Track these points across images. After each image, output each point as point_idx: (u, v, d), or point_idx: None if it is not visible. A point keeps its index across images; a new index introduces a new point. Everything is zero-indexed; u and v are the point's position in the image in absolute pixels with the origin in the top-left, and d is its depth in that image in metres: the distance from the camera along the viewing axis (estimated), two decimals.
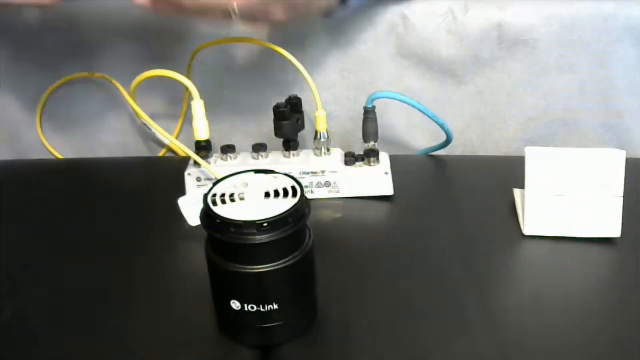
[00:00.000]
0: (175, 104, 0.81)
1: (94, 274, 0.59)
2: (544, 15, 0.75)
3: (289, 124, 0.67)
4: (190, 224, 0.63)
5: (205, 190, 0.48)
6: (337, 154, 0.71)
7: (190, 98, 0.67)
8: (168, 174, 0.66)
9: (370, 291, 0.57)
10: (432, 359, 0.50)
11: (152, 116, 0.81)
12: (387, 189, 0.69)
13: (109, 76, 0.80)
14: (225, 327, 0.52)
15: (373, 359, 0.50)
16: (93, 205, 0.70)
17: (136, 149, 0.83)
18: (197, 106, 0.66)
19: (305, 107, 0.70)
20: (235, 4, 0.49)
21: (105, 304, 0.56)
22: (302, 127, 0.69)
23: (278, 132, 0.68)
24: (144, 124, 0.79)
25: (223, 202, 0.48)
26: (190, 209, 0.62)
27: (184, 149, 0.67)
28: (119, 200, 0.70)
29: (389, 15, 0.76)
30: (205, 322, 0.52)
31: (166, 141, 0.81)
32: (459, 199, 0.70)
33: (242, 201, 0.48)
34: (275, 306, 0.48)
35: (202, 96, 0.67)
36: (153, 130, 0.80)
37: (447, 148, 0.78)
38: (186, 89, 0.67)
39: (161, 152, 0.84)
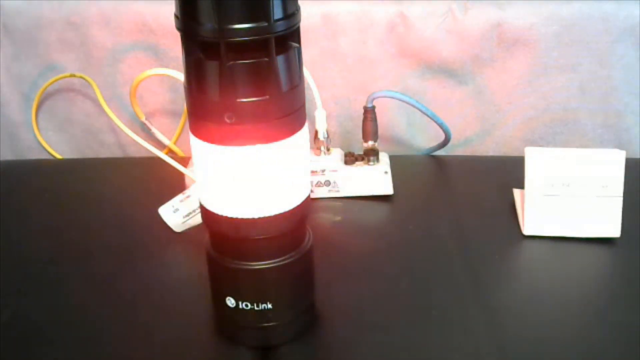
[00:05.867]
0: (175, 103, 0.81)
1: (94, 274, 0.59)
2: (544, 15, 0.75)
3: None
4: (176, 231, 0.63)
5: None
6: (337, 153, 0.71)
7: None
8: (168, 174, 0.66)
9: (371, 291, 0.57)
10: (432, 359, 0.50)
11: (153, 116, 0.81)
12: (387, 189, 0.69)
13: (109, 76, 0.80)
14: (222, 327, 0.52)
15: (373, 359, 0.50)
16: (93, 205, 0.70)
17: (136, 149, 0.83)
18: None
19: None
20: None
21: (104, 304, 0.56)
22: None
23: None
24: (144, 124, 0.79)
25: None
26: (171, 216, 0.62)
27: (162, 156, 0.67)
28: (119, 200, 0.70)
29: (389, 15, 0.76)
30: (205, 324, 0.52)
31: (166, 141, 0.81)
32: (459, 199, 0.70)
33: None
34: (270, 305, 0.48)
35: None
36: (153, 130, 0.80)
37: (447, 148, 0.78)
38: None
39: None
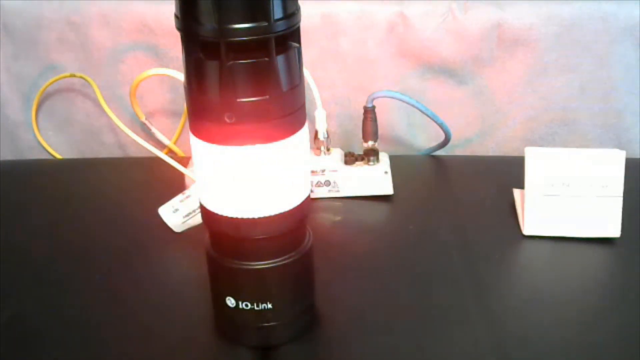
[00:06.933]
0: (175, 103, 0.81)
1: (94, 274, 0.59)
2: (544, 15, 0.75)
3: None
4: (176, 231, 0.63)
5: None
6: (337, 153, 0.71)
7: None
8: (168, 174, 0.66)
9: (371, 291, 0.57)
10: (433, 359, 0.50)
11: (153, 116, 0.81)
12: (387, 189, 0.69)
13: (109, 76, 0.80)
14: (222, 327, 0.52)
15: (373, 359, 0.50)
16: (92, 206, 0.70)
17: (136, 149, 0.83)
18: None
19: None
20: None
21: (104, 304, 0.56)
22: None
23: None
24: (144, 124, 0.79)
25: None
26: (171, 216, 0.62)
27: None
28: (119, 200, 0.70)
29: (389, 15, 0.76)
30: (205, 324, 0.52)
31: (166, 141, 0.81)
32: (459, 199, 0.70)
33: None
34: (270, 305, 0.48)
35: None
36: (153, 130, 0.80)
37: (447, 148, 0.78)
38: None
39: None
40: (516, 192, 0.67)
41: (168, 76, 0.70)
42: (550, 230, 0.62)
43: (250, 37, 0.40)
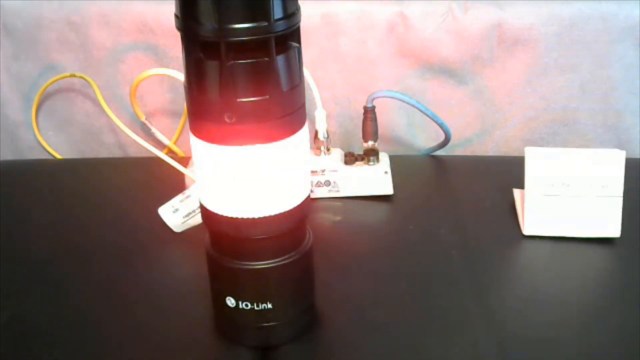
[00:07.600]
0: (175, 103, 0.81)
1: (94, 274, 0.59)
2: (544, 15, 0.75)
3: None
4: (176, 231, 0.63)
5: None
6: (337, 153, 0.71)
7: None
8: (168, 174, 0.66)
9: (371, 291, 0.57)
10: (433, 359, 0.50)
11: (153, 116, 0.81)
12: (387, 189, 0.69)
13: (109, 76, 0.80)
14: (222, 327, 0.52)
15: (373, 359, 0.50)
16: (92, 206, 0.70)
17: (136, 149, 0.83)
18: None
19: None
20: None
21: (104, 304, 0.56)
22: None
23: None
24: (144, 124, 0.79)
25: None
26: (171, 216, 0.62)
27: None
28: (119, 200, 0.70)
29: (389, 15, 0.76)
30: (205, 324, 0.52)
31: (166, 141, 0.81)
32: (459, 199, 0.70)
33: None
34: (270, 305, 0.48)
35: None
36: (153, 130, 0.80)
37: (447, 148, 0.78)
38: None
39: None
40: (516, 192, 0.67)
41: (168, 76, 0.70)
42: (550, 230, 0.62)
43: (250, 37, 0.40)
